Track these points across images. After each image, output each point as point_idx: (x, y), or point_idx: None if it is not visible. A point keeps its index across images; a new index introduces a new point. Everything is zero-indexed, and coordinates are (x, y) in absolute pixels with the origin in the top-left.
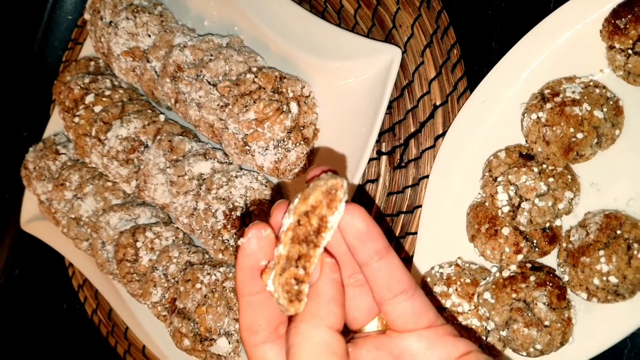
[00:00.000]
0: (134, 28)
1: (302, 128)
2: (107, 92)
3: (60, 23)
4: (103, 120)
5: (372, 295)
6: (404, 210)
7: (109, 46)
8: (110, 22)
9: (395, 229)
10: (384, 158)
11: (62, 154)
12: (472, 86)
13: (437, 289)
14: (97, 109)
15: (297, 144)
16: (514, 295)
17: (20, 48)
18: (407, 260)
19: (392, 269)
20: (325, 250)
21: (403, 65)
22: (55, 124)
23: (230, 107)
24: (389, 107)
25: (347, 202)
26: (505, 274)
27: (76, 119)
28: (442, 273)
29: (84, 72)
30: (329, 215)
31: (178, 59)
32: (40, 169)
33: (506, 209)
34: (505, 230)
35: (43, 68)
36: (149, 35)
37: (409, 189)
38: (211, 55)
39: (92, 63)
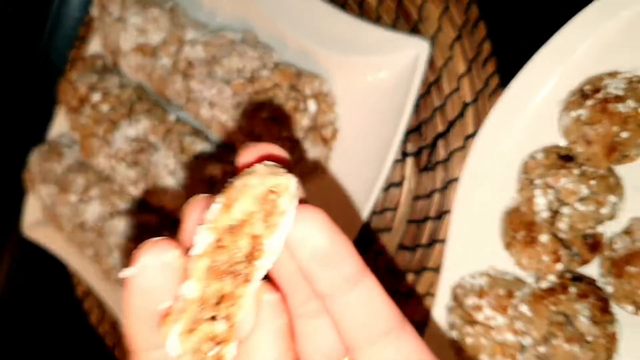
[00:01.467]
0: (143, 23)
1: (320, 128)
2: (115, 91)
3: (66, 21)
4: (110, 119)
5: (339, 334)
6: (432, 216)
7: (117, 43)
8: (119, 17)
9: (421, 236)
10: (409, 160)
11: (67, 155)
12: (504, 83)
13: (469, 301)
14: (104, 108)
15: (315, 145)
16: (553, 307)
17: (25, 47)
18: (435, 270)
19: (370, 301)
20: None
21: (430, 61)
22: (61, 125)
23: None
24: (415, 104)
25: (299, 201)
26: (544, 284)
27: (82, 119)
28: (473, 284)
29: (91, 70)
30: (266, 237)
31: (189, 56)
32: (45, 171)
33: (545, 214)
34: (544, 237)
35: (48, 67)
36: (160, 31)
37: (437, 193)
38: (224, 52)
39: (100, 61)
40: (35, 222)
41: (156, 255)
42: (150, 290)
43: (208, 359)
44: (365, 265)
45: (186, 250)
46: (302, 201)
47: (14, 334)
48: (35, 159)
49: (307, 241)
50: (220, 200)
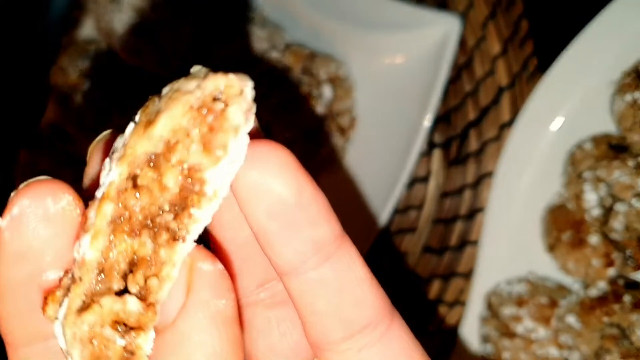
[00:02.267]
0: (140, 2)
1: (336, 116)
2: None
3: (59, 3)
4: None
5: (303, 329)
6: (462, 214)
7: (112, 25)
8: None
9: (450, 237)
10: (436, 152)
11: (58, 146)
12: (544, 64)
13: (506, 310)
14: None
15: (330, 135)
16: (605, 319)
17: (16, 32)
18: (465, 276)
19: (349, 279)
20: (200, 240)
21: (461, 41)
22: (51, 114)
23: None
24: (444, 90)
25: (254, 135)
26: (594, 292)
27: (73, 108)
28: (511, 291)
29: (84, 55)
30: (206, 169)
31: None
32: (36, 165)
33: (595, 212)
34: (594, 239)
35: (41, 54)
36: (157, 11)
37: (468, 189)
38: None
39: (93, 45)
40: None
41: (39, 201)
42: (30, 254)
43: (110, 354)
44: (343, 230)
45: (81, 202)
46: (256, 135)
47: None
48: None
49: (265, 190)
50: (137, 118)
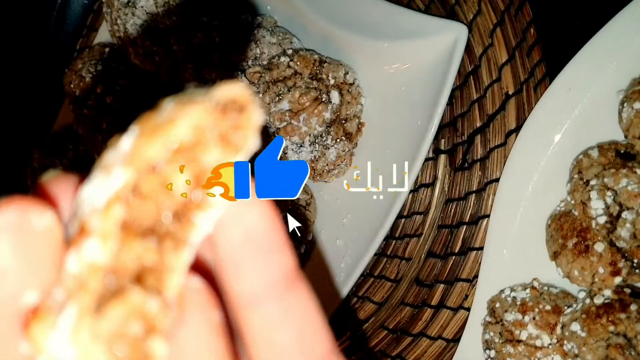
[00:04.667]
0: (154, 7)
1: (344, 121)
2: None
3: (74, 9)
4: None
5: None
6: (467, 220)
7: (126, 29)
8: (128, 1)
9: (454, 243)
10: (442, 157)
11: (70, 150)
12: (552, 72)
13: (509, 316)
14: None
15: (338, 140)
16: (611, 328)
17: (32, 37)
18: (469, 281)
19: (306, 313)
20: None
21: (468, 47)
22: (65, 118)
23: (260, 95)
24: (450, 96)
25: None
26: (599, 300)
27: (86, 111)
28: (515, 298)
29: (98, 59)
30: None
31: (203, 42)
32: (49, 167)
33: (602, 220)
34: (600, 246)
35: (55, 58)
36: (171, 16)
37: (473, 195)
38: (240, 37)
39: (107, 49)
40: None
41: (20, 218)
42: (8, 274)
43: (135, 353)
44: (299, 268)
45: (58, 214)
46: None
47: None
48: (38, 154)
49: (242, 215)
50: (136, 130)
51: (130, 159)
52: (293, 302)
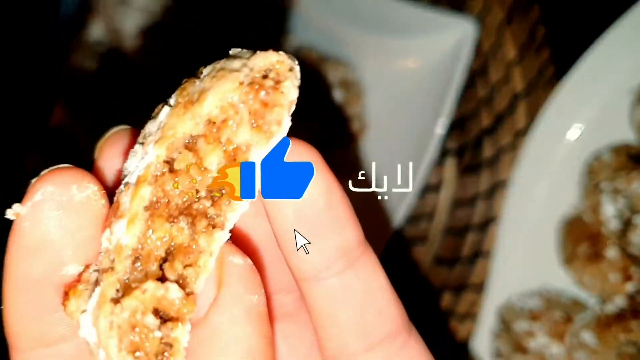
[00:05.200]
0: (148, 4)
1: (346, 121)
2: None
3: (69, 5)
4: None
5: (316, 340)
6: (475, 225)
7: (120, 26)
8: None
9: (462, 249)
10: (449, 159)
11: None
12: (561, 72)
13: (518, 325)
14: None
15: (340, 141)
16: (622, 336)
17: (27, 34)
18: (477, 288)
19: (370, 288)
20: (232, 234)
21: (476, 46)
22: (61, 116)
23: None
24: (457, 96)
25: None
26: (610, 308)
27: (82, 109)
28: (524, 305)
29: (92, 56)
30: (257, 146)
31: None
32: (44, 166)
33: (613, 225)
34: (611, 252)
35: (50, 56)
36: (166, 13)
37: (481, 198)
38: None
39: (102, 47)
40: None
41: (64, 189)
42: (49, 246)
43: (148, 346)
44: (365, 239)
45: (105, 189)
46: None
47: None
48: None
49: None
50: (173, 100)
51: (162, 134)
52: (353, 280)
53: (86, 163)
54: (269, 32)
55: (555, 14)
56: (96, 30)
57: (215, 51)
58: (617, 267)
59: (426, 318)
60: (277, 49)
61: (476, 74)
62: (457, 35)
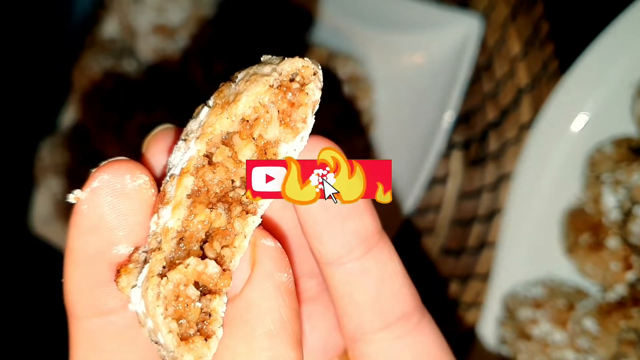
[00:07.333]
0: (162, 2)
1: (354, 116)
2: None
3: (82, 3)
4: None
5: (336, 322)
6: (480, 216)
7: (134, 23)
8: None
9: (468, 239)
10: (455, 153)
11: (79, 145)
12: (565, 66)
13: (523, 313)
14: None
15: (348, 136)
16: (623, 323)
17: (39, 31)
18: (483, 277)
19: (386, 271)
20: (263, 222)
21: (481, 42)
22: (74, 113)
23: None
24: (463, 91)
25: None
26: (611, 296)
27: (94, 107)
28: (528, 294)
29: (106, 54)
30: (285, 141)
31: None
32: (58, 163)
33: (614, 215)
34: (612, 242)
35: (63, 53)
36: (180, 11)
37: (487, 190)
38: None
39: (116, 44)
40: (45, 217)
41: (118, 177)
42: (104, 227)
43: (190, 313)
44: (381, 227)
45: (155, 179)
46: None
47: (19, 333)
48: (47, 149)
49: None
50: (212, 102)
51: (202, 131)
52: (371, 264)
53: (99, 156)
54: (279, 30)
55: (559, 9)
56: (110, 27)
57: (226, 47)
58: (618, 257)
59: (434, 306)
60: (286, 46)
61: (481, 69)
62: (463, 31)
